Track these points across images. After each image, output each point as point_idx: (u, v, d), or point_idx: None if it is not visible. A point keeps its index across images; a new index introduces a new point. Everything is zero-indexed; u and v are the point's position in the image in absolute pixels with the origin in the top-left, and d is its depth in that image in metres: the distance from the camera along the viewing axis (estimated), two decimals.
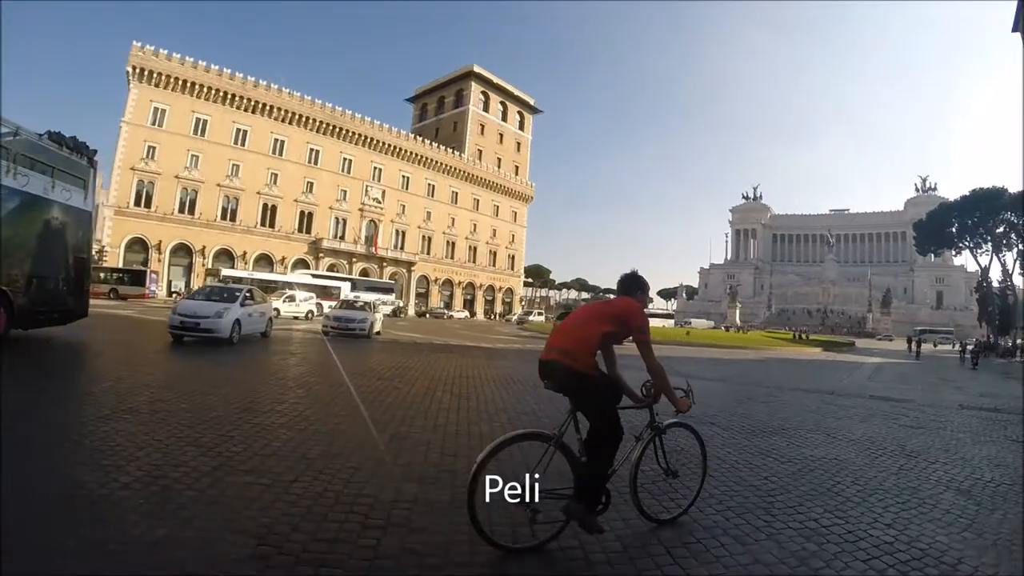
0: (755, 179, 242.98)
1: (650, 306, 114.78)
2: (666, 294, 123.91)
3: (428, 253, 61.70)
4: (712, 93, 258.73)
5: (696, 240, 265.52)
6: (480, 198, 67.12)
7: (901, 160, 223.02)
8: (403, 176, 60.05)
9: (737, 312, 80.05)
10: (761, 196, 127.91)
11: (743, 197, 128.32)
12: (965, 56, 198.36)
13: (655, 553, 3.02)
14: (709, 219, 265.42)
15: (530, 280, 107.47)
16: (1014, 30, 25.33)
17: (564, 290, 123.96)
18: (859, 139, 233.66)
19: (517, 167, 73.53)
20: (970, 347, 31.29)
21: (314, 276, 42.62)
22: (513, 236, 71.32)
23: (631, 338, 3.08)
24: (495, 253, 68.88)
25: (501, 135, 72.64)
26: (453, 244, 64.18)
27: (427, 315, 54.67)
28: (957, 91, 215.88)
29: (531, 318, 50.96)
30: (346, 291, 38.48)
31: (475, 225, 66.42)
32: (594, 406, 3.00)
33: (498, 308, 67.78)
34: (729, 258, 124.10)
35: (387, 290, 48.22)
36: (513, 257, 71.58)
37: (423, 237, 61.56)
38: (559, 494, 2.94)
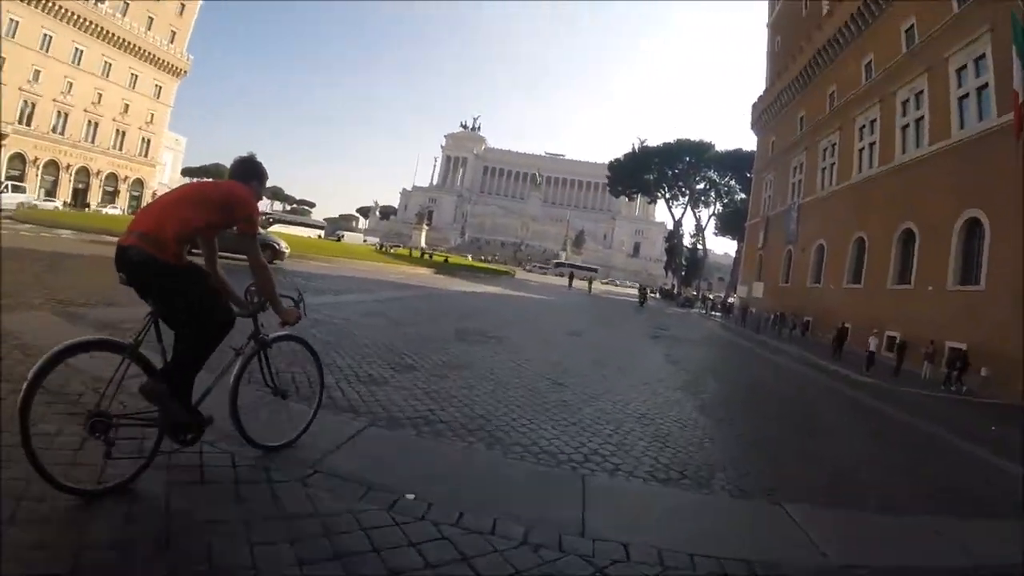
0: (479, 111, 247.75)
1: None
2: (365, 212, 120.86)
3: (29, 124, 46.02)
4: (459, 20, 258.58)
5: (418, 161, 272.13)
6: (114, 62, 52.01)
7: (625, 118, 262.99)
8: (9, 18, 41.99)
9: (423, 235, 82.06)
10: (480, 128, 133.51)
11: (461, 125, 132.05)
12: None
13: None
14: (428, 144, 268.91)
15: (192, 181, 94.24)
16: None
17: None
18: (591, 99, 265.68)
19: (175, 32, 59.12)
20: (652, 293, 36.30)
21: None
22: (152, 116, 57.16)
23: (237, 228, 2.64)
24: (124, 133, 54.92)
25: None
26: (66, 116, 49.04)
27: None
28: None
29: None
30: None
31: (100, 95, 51.42)
32: (182, 308, 2.48)
33: (122, 203, 54.58)
34: (435, 183, 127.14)
35: None
36: (148, 142, 57.63)
37: (25, 102, 45.42)
38: (140, 418, 2.44)
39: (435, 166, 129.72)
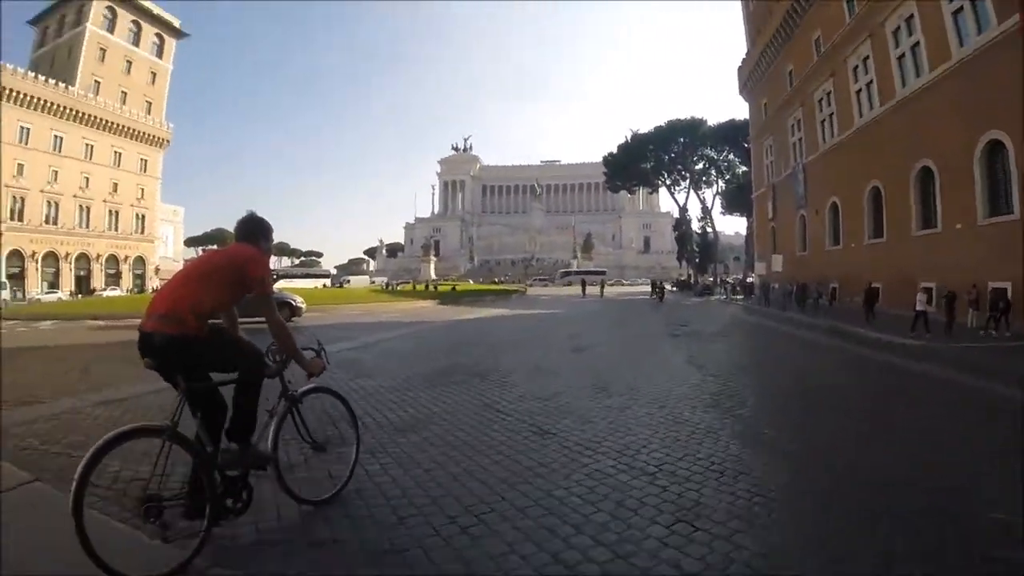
0: (470, 131, 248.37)
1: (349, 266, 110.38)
2: (372, 253, 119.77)
3: (22, 220, 46.65)
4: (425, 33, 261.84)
5: (416, 194, 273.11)
6: (95, 143, 52.52)
7: (614, 115, 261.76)
8: None
9: (432, 266, 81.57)
10: (471, 147, 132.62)
11: (453, 148, 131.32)
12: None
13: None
14: (426, 173, 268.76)
15: (215, 247, 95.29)
16: None
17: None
18: (577, 97, 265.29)
19: (150, 104, 59.88)
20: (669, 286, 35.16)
21: None
22: (143, 191, 57.67)
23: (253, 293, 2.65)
24: (117, 213, 55.20)
25: (130, 63, 57.98)
26: (57, 204, 49.54)
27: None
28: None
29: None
30: None
31: (87, 179, 51.82)
32: (219, 366, 2.62)
33: (126, 284, 54.98)
34: (437, 211, 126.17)
35: None
36: (143, 217, 58.04)
37: (14, 198, 46.10)
38: (189, 499, 2.46)
39: (434, 194, 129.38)
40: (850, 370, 9.07)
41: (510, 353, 10.29)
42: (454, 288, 43.37)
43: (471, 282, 72.20)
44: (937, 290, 17.24)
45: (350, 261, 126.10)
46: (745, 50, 42.55)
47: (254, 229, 2.84)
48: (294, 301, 17.12)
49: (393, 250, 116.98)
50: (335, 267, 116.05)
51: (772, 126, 36.44)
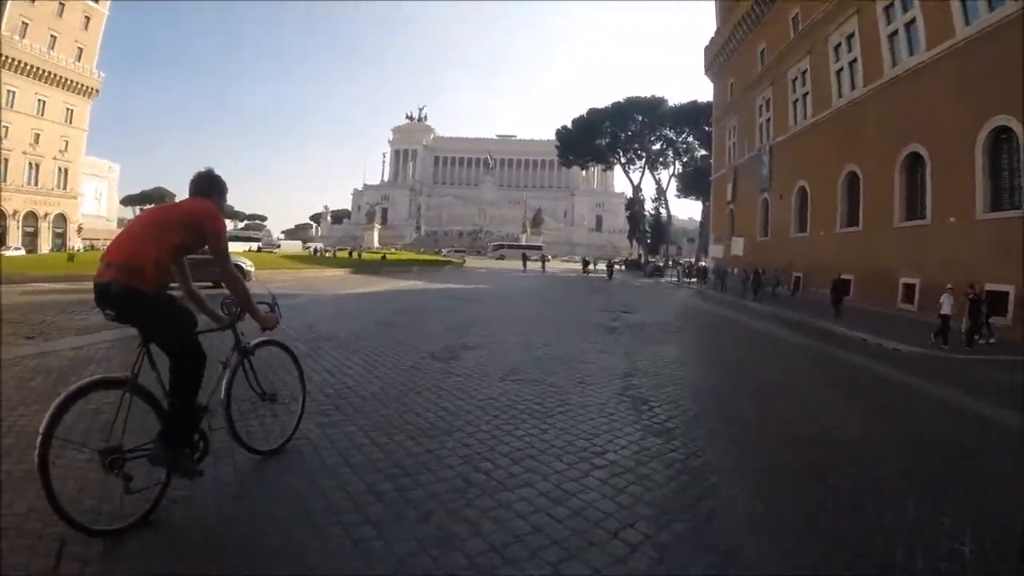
0: (426, 101, 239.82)
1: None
2: (318, 219, 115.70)
3: None
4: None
5: (366, 161, 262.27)
6: (17, 89, 44.99)
7: (577, 90, 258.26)
8: None
9: (375, 234, 77.90)
10: (426, 117, 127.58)
11: (407, 117, 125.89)
12: None
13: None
14: (379, 141, 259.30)
15: (151, 207, 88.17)
16: None
17: None
18: (539, 73, 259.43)
19: (81, 49, 52.24)
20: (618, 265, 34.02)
21: None
22: (67, 143, 50.80)
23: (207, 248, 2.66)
24: (38, 167, 48.15)
25: (62, 4, 49.87)
26: None
27: None
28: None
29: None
30: None
31: (7, 129, 44.60)
32: (169, 334, 2.54)
33: (44, 243, 48.46)
34: (387, 179, 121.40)
35: None
36: (66, 171, 51.01)
37: None
38: (149, 449, 2.47)
39: (384, 162, 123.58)
40: (868, 400, 6.65)
41: (334, 355, 6.78)
42: (383, 257, 41.61)
43: (415, 252, 69.67)
44: (921, 288, 16.24)
45: (297, 227, 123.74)
46: (714, 29, 41.07)
47: (211, 185, 2.86)
48: (244, 264, 16.98)
49: (339, 217, 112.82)
50: (282, 232, 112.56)
51: (738, 106, 35.16)
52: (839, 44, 22.54)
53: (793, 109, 27.07)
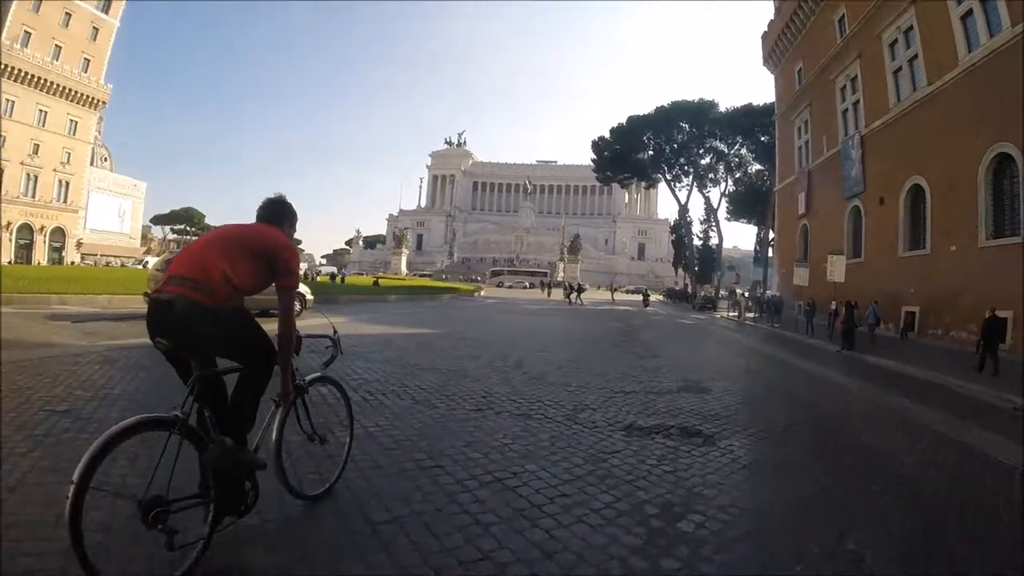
0: (465, 127, 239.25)
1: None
2: (352, 243, 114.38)
3: None
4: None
5: (402, 185, 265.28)
6: (16, 99, 43.93)
7: (616, 109, 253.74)
8: None
9: (403, 259, 74.86)
10: (465, 142, 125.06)
11: (445, 142, 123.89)
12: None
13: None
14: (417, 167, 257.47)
15: (183, 227, 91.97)
16: None
17: None
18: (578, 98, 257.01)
19: (89, 60, 51.51)
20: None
21: None
22: (69, 155, 49.22)
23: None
24: (36, 178, 46.70)
25: (69, 15, 49.59)
26: None
27: None
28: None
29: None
30: None
31: (5, 138, 43.34)
32: (246, 338, 2.25)
33: (38, 255, 46.47)
34: (424, 205, 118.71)
35: None
36: (67, 184, 49.51)
37: None
38: (198, 498, 2.15)
39: (422, 187, 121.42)
40: None
41: None
42: (375, 282, 36.70)
43: (445, 278, 65.58)
44: None
45: (335, 252, 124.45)
46: (766, 23, 34.33)
47: (282, 212, 2.50)
48: (306, 293, 15.29)
49: (373, 242, 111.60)
50: (321, 257, 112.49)
51: (810, 94, 27.93)
52: None
53: (894, 81, 19.82)
